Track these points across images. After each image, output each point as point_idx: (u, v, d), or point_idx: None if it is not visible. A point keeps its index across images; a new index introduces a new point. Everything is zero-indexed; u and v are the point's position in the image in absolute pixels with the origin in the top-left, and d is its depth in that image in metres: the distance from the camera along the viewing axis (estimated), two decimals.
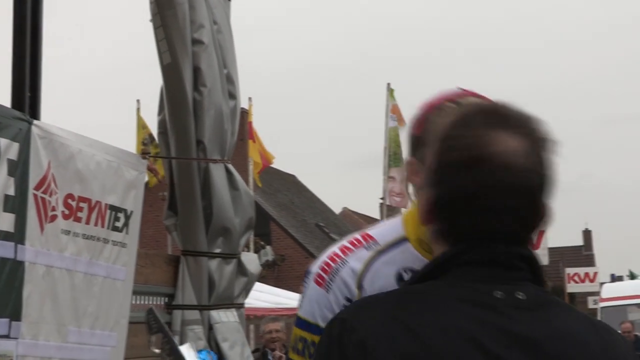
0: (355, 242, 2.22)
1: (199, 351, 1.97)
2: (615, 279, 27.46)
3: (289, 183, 36.68)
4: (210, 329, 5.06)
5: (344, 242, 2.25)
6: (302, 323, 2.22)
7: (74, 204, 4.00)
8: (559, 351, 1.54)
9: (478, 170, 1.58)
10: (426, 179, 1.67)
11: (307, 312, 2.21)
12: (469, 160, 1.59)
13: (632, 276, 28.88)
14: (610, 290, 21.51)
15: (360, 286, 2.15)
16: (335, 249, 2.24)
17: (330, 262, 2.20)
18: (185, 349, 1.96)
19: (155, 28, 4.81)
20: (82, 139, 4.11)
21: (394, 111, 16.92)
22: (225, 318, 5.11)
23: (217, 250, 5.12)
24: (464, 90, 2.20)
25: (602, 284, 25.44)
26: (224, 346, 5.03)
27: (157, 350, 2.00)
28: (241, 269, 5.32)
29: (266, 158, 18.43)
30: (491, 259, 1.60)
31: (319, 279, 2.19)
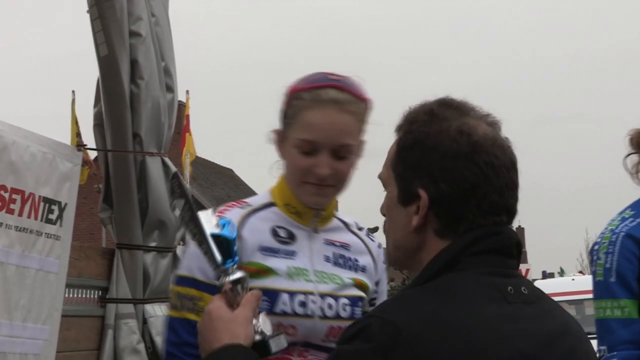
0: (230, 205, 2.36)
1: (221, 219, 1.99)
2: (546, 276, 27.94)
3: (226, 177, 36.56)
4: (144, 322, 5.04)
5: (223, 206, 2.37)
6: (179, 280, 2.30)
7: (6, 195, 3.95)
8: (570, 345, 1.57)
9: (483, 155, 1.58)
10: (404, 189, 1.64)
11: (185, 268, 2.29)
12: (471, 148, 1.58)
13: (563, 273, 29.43)
14: (541, 287, 21.81)
15: (239, 237, 2.21)
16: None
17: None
18: (205, 217, 1.95)
19: (92, 20, 4.77)
20: (17, 130, 4.06)
21: None
22: (160, 312, 5.09)
23: (153, 244, 5.09)
24: (329, 77, 2.30)
25: (534, 280, 25.88)
26: (158, 340, 5.01)
27: (178, 213, 2.02)
28: (177, 263, 5.29)
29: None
30: (502, 246, 1.61)
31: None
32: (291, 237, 2.32)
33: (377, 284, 2.46)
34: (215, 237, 1.87)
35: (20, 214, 4.04)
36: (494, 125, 1.65)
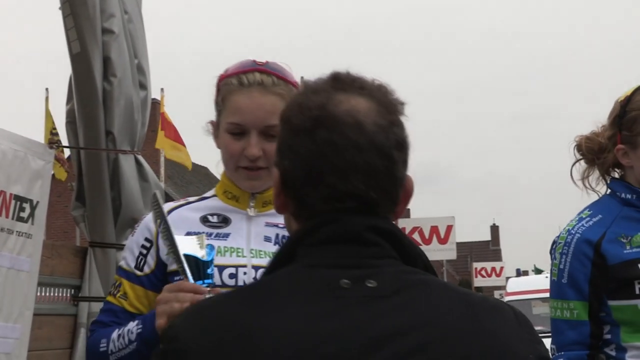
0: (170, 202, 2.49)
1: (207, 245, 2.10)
2: (520, 273, 28.11)
3: (201, 175, 36.45)
4: None
5: None
6: (116, 269, 2.52)
7: None
8: (417, 342, 1.32)
9: (324, 131, 1.42)
10: (274, 159, 1.53)
11: (121, 258, 2.48)
12: (313, 123, 1.43)
13: (537, 271, 29.62)
14: (515, 284, 22.00)
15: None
16: None
17: (144, 216, 2.49)
18: (185, 238, 2.07)
19: (64, 16, 4.73)
20: None
21: None
22: None
23: (125, 242, 5.06)
24: (255, 62, 2.39)
25: (507, 278, 26.02)
26: None
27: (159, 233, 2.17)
28: None
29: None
30: (341, 235, 1.42)
31: (133, 229, 2.48)
32: (225, 221, 2.39)
33: None
34: (188, 257, 1.99)
35: None
36: (384, 104, 1.47)
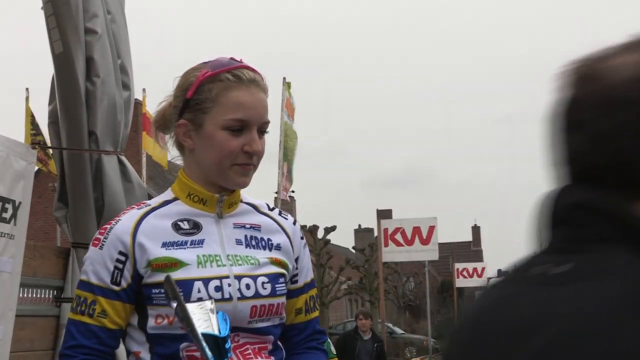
0: (129, 208, 2.40)
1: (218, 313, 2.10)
2: (501, 274, 28.22)
3: None
4: None
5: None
6: (79, 283, 2.35)
7: None
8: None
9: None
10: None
11: (83, 273, 2.33)
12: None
13: None
14: None
15: (134, 238, 2.28)
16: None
17: (106, 225, 2.35)
18: (196, 312, 2.08)
19: (47, 16, 4.71)
20: None
21: (287, 106, 16.96)
22: None
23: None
24: (235, 60, 2.37)
25: (489, 279, 26.11)
26: None
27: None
28: None
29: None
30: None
31: (95, 241, 2.33)
32: (196, 227, 2.34)
33: (296, 260, 2.47)
34: (206, 336, 1.99)
35: None
36: None
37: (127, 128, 5.18)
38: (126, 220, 2.30)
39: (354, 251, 47.40)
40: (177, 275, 2.22)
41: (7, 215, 4.23)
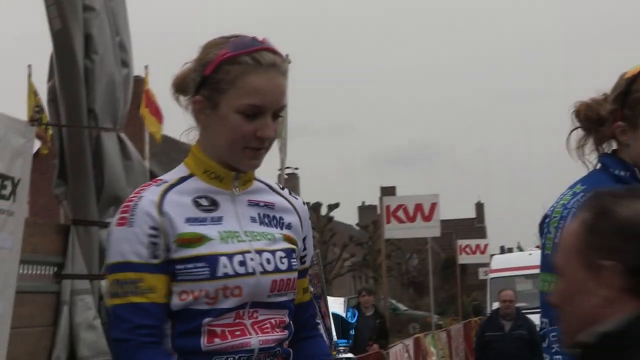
0: (145, 185, 2.33)
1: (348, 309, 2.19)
2: (504, 251, 28.26)
3: (186, 153, 36.34)
4: (100, 298, 5.02)
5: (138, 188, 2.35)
6: (114, 267, 2.26)
7: None
8: None
9: None
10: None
11: (117, 255, 2.25)
12: None
13: (521, 248, 29.77)
14: (499, 261, 22.14)
15: (161, 212, 2.24)
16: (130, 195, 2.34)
17: (127, 203, 2.28)
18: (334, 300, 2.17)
19: None
20: None
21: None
22: None
23: (108, 220, 5.06)
24: (257, 40, 2.31)
25: (492, 255, 26.14)
26: None
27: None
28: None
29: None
30: None
31: (121, 221, 2.26)
32: (214, 204, 2.33)
33: (304, 240, 2.49)
34: (335, 315, 2.02)
35: None
36: None
37: (126, 105, 5.19)
38: (149, 195, 2.26)
39: (357, 228, 47.42)
40: (202, 250, 2.22)
41: (6, 192, 4.24)
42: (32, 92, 16.82)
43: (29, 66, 17.70)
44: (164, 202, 2.26)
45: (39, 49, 4.95)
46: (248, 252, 2.28)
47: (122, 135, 5.16)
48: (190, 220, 2.26)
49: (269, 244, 2.34)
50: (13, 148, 4.28)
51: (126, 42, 5.16)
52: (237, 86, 2.27)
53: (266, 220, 2.38)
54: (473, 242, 29.63)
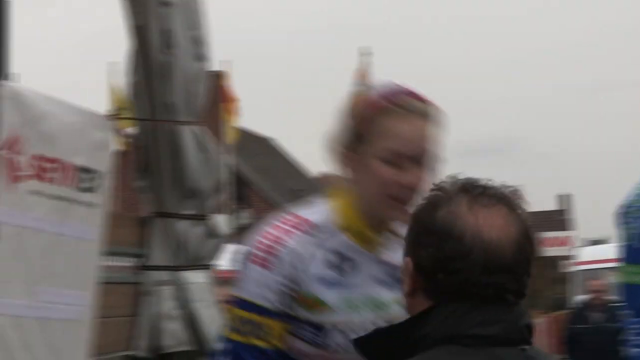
0: (291, 225, 2.31)
1: None
2: (591, 243, 27.69)
3: (267, 147, 36.65)
4: (180, 289, 5.11)
5: (280, 223, 2.33)
6: (241, 303, 2.29)
7: (42, 164, 4.02)
8: None
9: None
10: None
11: (246, 292, 2.28)
12: None
13: (607, 241, 29.14)
14: (586, 254, 21.71)
15: (299, 267, 2.26)
16: (272, 230, 2.32)
17: (272, 244, 2.28)
18: None
19: None
20: (50, 99, 4.13)
21: (361, 76, 16.89)
22: (195, 279, 5.16)
23: (187, 212, 5.15)
24: (400, 87, 2.29)
25: (577, 247, 25.66)
26: (195, 306, 5.09)
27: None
28: (211, 231, 5.36)
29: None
30: None
31: (260, 260, 2.27)
32: (352, 266, 2.30)
33: None
34: None
35: (55, 183, 4.12)
36: None
37: (203, 99, 5.26)
38: (294, 245, 2.26)
39: None
40: (320, 318, 2.25)
41: (88, 185, 4.35)
42: (112, 88, 17.15)
43: (110, 63, 18.05)
44: (304, 256, 2.26)
45: (119, 45, 5.04)
46: (371, 324, 2.26)
47: (199, 128, 5.23)
48: (321, 281, 2.26)
49: (390, 318, 2.29)
50: (93, 142, 4.38)
51: (203, 36, 5.22)
52: (380, 132, 2.24)
53: (396, 285, 2.32)
54: (557, 235, 29.16)
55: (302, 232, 2.29)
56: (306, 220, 2.32)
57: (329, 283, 2.26)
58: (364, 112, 2.27)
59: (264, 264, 2.26)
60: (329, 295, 2.25)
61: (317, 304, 2.25)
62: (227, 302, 2.41)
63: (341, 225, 2.31)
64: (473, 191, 1.56)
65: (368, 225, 2.30)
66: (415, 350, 1.51)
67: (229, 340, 2.32)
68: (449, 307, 1.50)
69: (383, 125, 2.22)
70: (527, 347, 1.51)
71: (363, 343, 1.63)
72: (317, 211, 2.36)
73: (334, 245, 2.29)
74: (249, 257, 2.30)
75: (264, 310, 2.26)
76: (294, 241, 2.27)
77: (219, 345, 2.36)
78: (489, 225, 1.50)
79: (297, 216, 2.34)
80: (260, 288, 2.26)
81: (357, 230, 2.30)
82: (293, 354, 2.30)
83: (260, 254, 2.27)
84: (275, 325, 2.27)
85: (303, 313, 2.25)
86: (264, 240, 2.30)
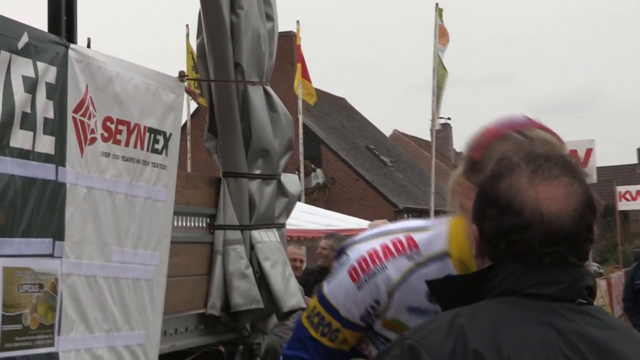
0: (399, 246, 2.26)
1: None
2: None
3: (339, 106, 36.60)
4: (251, 248, 5.15)
5: (388, 241, 2.28)
6: (325, 301, 2.32)
7: (112, 126, 4.07)
8: None
9: None
10: None
11: (333, 296, 2.30)
12: None
13: None
14: None
15: (391, 294, 2.23)
16: (377, 246, 2.28)
17: (370, 262, 2.25)
18: None
19: None
20: (120, 62, 4.16)
21: (440, 32, 16.69)
22: (266, 238, 5.20)
23: (257, 172, 5.18)
24: (529, 119, 2.20)
25: None
26: (266, 265, 5.12)
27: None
28: (281, 190, 5.38)
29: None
30: None
31: (354, 273, 2.27)
32: None
33: None
34: None
35: (126, 145, 4.17)
36: None
37: (271, 59, 5.25)
38: (392, 271, 2.23)
39: None
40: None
41: (158, 146, 4.39)
42: (190, 52, 17.28)
43: (187, 26, 18.18)
44: (400, 286, 2.23)
45: (196, 8, 5.04)
46: None
47: (268, 88, 5.23)
48: (412, 310, 2.24)
49: None
50: (164, 103, 4.42)
51: None
52: (494, 158, 2.06)
53: None
54: (633, 188, 28.55)
55: (407, 258, 2.25)
56: (414, 244, 2.27)
57: (421, 311, 2.23)
58: (482, 139, 2.19)
59: (353, 276, 2.27)
60: (415, 322, 2.18)
61: (400, 327, 2.24)
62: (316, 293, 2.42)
63: (450, 253, 2.25)
64: (534, 162, 1.62)
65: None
66: (483, 299, 1.62)
67: (302, 326, 2.37)
68: (510, 266, 1.60)
69: (499, 151, 2.08)
70: (584, 302, 1.59)
71: (436, 285, 1.74)
72: (431, 237, 2.28)
73: (436, 274, 2.19)
74: (347, 265, 2.29)
75: (343, 320, 2.30)
76: (395, 268, 2.23)
77: (293, 324, 2.41)
78: (549, 198, 1.57)
79: (408, 239, 2.28)
80: (347, 300, 2.28)
81: (462, 259, 2.22)
82: (363, 352, 2.34)
83: (359, 270, 2.26)
84: (347, 334, 2.31)
85: (382, 329, 2.27)
86: (367, 258, 2.27)
